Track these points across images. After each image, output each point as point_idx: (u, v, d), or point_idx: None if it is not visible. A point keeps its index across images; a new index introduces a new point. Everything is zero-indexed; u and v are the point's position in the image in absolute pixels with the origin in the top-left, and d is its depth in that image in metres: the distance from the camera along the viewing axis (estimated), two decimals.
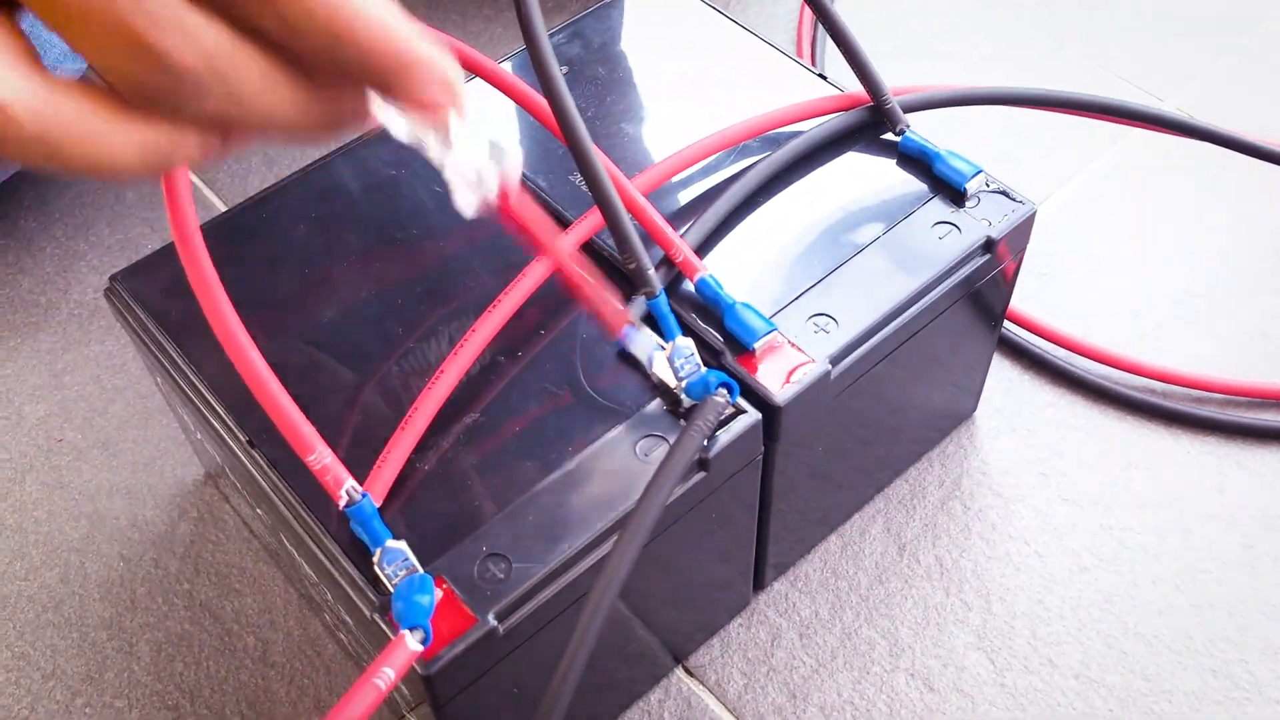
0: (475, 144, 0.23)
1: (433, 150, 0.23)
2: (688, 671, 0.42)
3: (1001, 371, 0.49)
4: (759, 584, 0.44)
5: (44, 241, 0.56)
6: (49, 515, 0.47)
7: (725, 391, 0.32)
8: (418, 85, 0.22)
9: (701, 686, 0.42)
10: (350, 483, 0.30)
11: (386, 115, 0.23)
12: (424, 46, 0.22)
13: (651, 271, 0.34)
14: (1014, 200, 0.39)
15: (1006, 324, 0.50)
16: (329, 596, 0.36)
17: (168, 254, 0.40)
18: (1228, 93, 0.59)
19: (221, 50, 0.21)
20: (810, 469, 0.40)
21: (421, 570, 0.31)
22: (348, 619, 0.35)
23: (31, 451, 0.49)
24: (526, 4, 0.33)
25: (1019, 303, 0.51)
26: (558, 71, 0.33)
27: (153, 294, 0.38)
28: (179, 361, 0.37)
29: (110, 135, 0.22)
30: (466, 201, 0.23)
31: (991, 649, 0.42)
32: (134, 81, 0.21)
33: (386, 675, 0.27)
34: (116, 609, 0.45)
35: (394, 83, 0.22)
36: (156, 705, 0.42)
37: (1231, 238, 0.53)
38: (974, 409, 0.48)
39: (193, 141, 0.23)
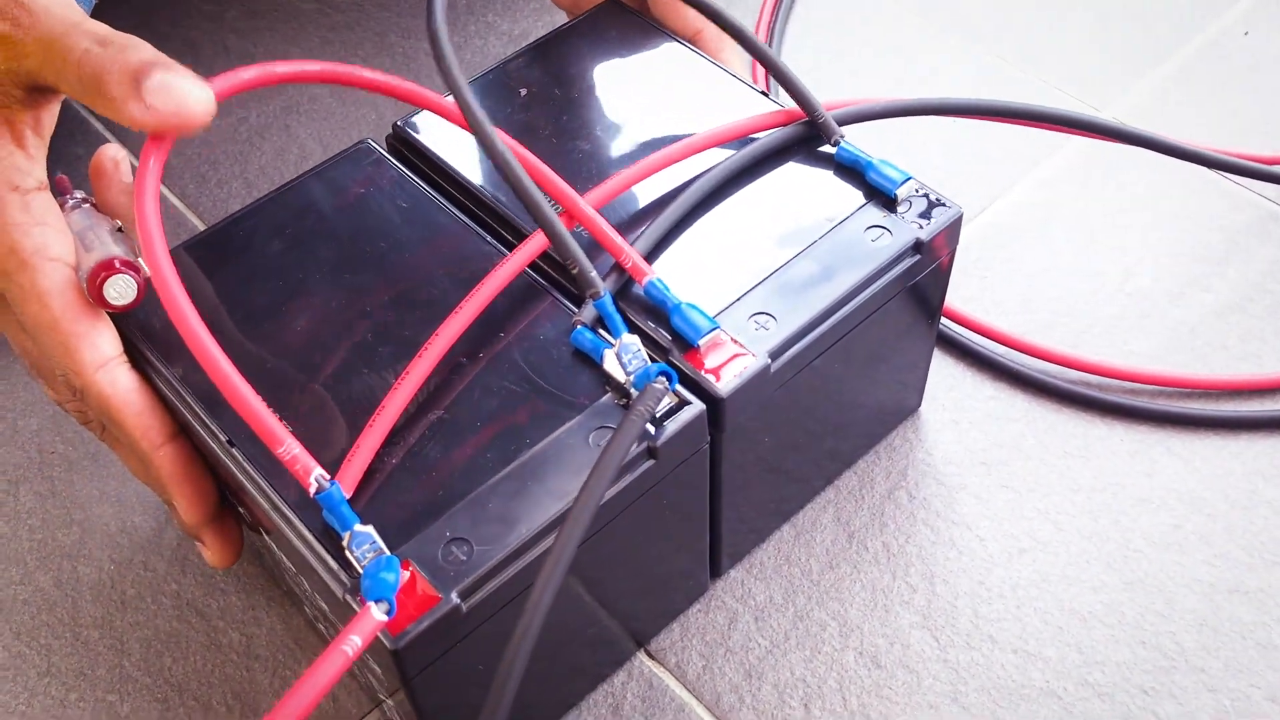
0: None
1: None
2: (649, 655, 0.45)
3: (945, 368, 0.52)
4: (716, 571, 0.46)
5: None
6: (42, 523, 0.49)
7: (665, 379, 0.35)
8: None
9: (662, 669, 0.44)
10: (318, 471, 0.32)
11: None
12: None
13: (594, 274, 0.36)
14: (942, 204, 0.42)
15: (950, 324, 0.53)
16: (306, 586, 0.39)
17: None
18: (1162, 102, 0.62)
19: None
20: (759, 460, 0.43)
21: (388, 553, 0.33)
22: (324, 605, 0.38)
23: (25, 464, 0.51)
24: (444, 56, 0.36)
25: (962, 303, 0.54)
26: (482, 114, 0.36)
27: (137, 310, 0.41)
28: (163, 371, 0.39)
29: None
30: None
31: (935, 627, 0.45)
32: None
33: (354, 642, 0.30)
34: (107, 609, 0.47)
35: None
36: (147, 699, 0.45)
37: (1164, 240, 0.56)
38: (919, 404, 0.51)
39: None
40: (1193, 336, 0.53)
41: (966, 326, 0.53)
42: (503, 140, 0.37)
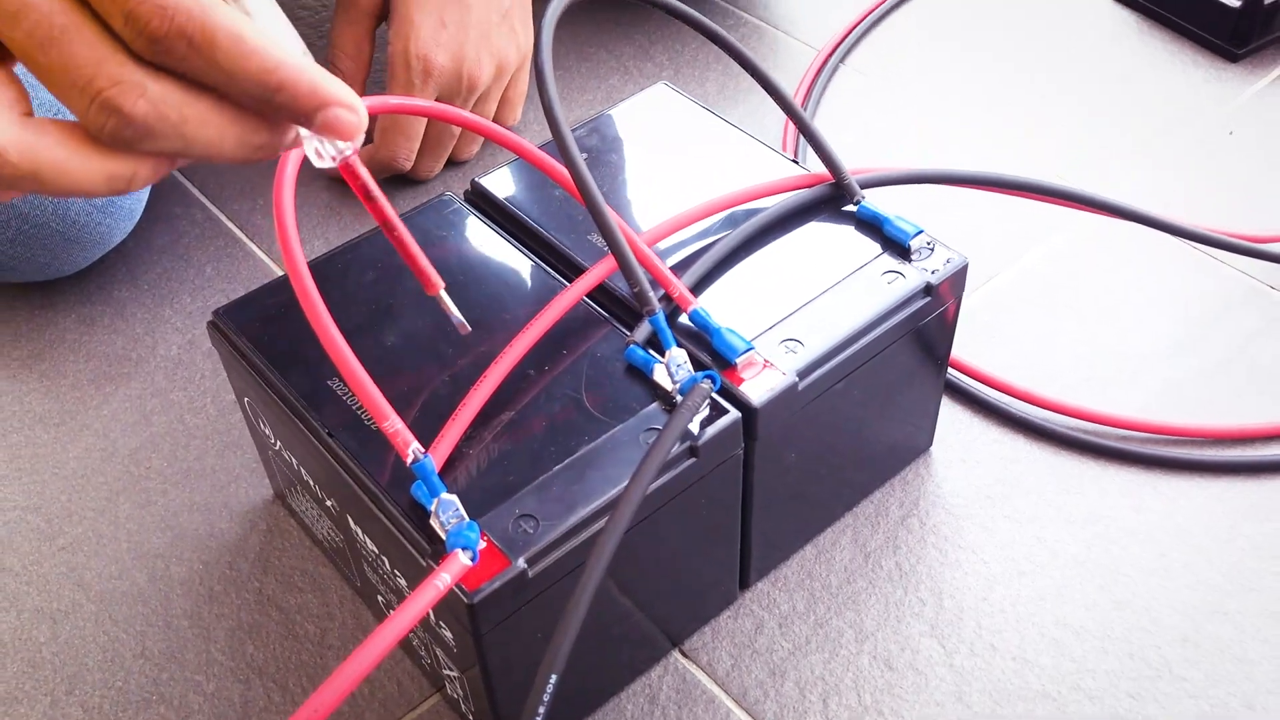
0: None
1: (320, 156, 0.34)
2: (683, 654, 0.50)
3: (955, 414, 0.58)
4: (744, 583, 0.51)
5: (135, 308, 0.65)
6: (139, 528, 0.55)
7: (709, 382, 0.41)
8: (333, 118, 0.31)
9: (695, 666, 0.49)
10: (416, 444, 0.38)
11: (307, 142, 0.33)
12: (335, 87, 0.31)
13: (650, 292, 0.42)
14: (950, 253, 0.48)
15: (960, 375, 0.59)
16: (387, 566, 0.44)
17: (253, 297, 0.48)
18: (1162, 183, 0.69)
19: (168, 101, 0.29)
20: (785, 475, 0.48)
21: (469, 519, 0.39)
22: (403, 581, 0.43)
23: (124, 478, 0.57)
24: (554, 113, 0.43)
25: (971, 357, 0.60)
26: (578, 155, 0.42)
27: (248, 324, 0.47)
28: (270, 376, 0.45)
29: (81, 167, 0.30)
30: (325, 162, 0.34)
31: (942, 636, 0.49)
32: (97, 126, 0.29)
33: (444, 579, 0.35)
34: (196, 602, 0.52)
35: (314, 118, 0.31)
36: (230, 680, 0.50)
37: (1158, 307, 0.62)
38: (930, 444, 0.56)
39: (147, 169, 0.31)
40: (1180, 392, 0.58)
41: (974, 378, 0.59)
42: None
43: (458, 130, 0.69)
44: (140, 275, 0.67)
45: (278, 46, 0.30)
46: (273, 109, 0.31)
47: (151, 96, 0.29)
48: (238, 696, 0.49)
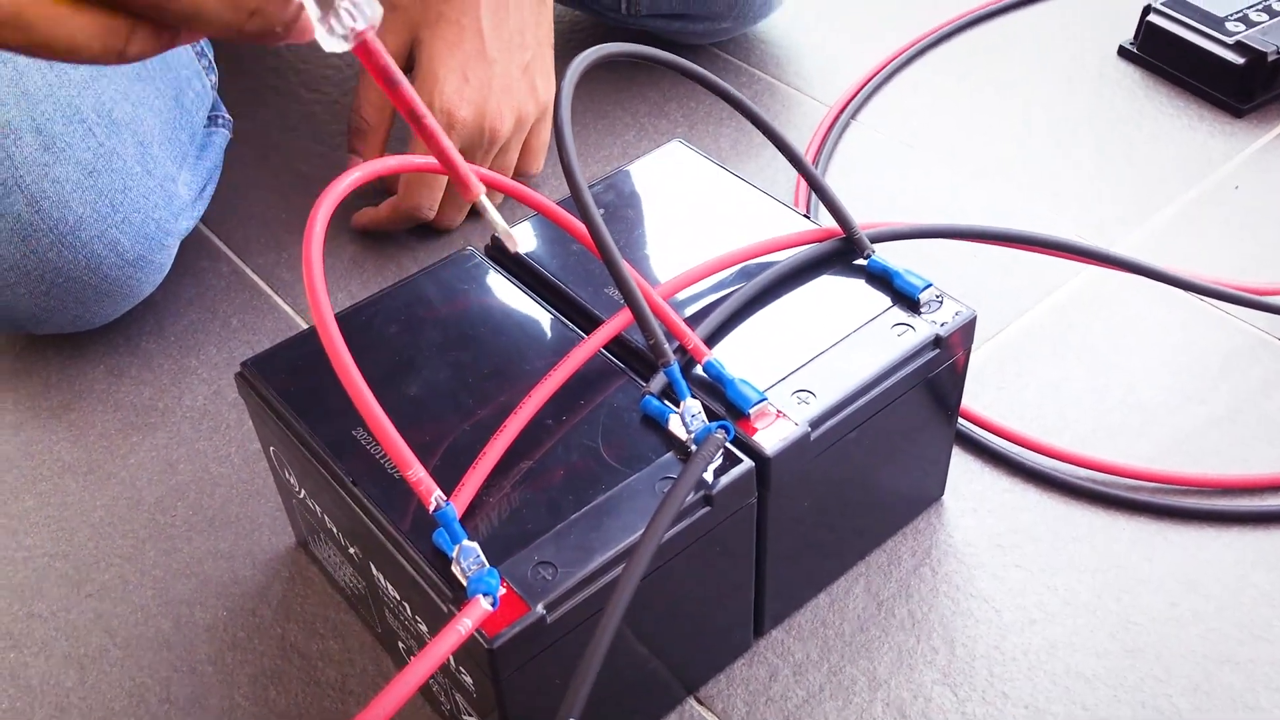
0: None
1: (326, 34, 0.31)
2: (698, 700, 0.50)
3: (966, 464, 0.59)
4: (759, 631, 0.52)
5: (162, 360, 0.67)
6: (164, 574, 0.56)
7: (723, 432, 0.42)
8: None
9: (710, 713, 0.50)
10: (438, 493, 0.39)
11: (319, 24, 0.31)
12: None
13: (666, 345, 0.44)
14: (958, 306, 0.49)
15: (971, 425, 0.60)
16: (408, 612, 0.45)
17: (280, 349, 0.50)
18: (1164, 240, 0.70)
19: None
20: (799, 524, 0.49)
21: (489, 566, 0.40)
22: (424, 627, 0.44)
23: (150, 525, 0.58)
24: (572, 170, 0.44)
25: (982, 409, 0.61)
26: (596, 211, 0.44)
27: (275, 375, 0.49)
28: (296, 425, 0.46)
29: (71, 21, 0.29)
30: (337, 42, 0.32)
31: (954, 684, 0.50)
32: None
33: (465, 624, 0.36)
34: (219, 648, 0.53)
35: None
36: None
37: (1165, 359, 0.63)
38: (941, 494, 0.57)
39: (143, 35, 0.30)
40: (1189, 442, 0.59)
41: (985, 428, 0.60)
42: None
43: None
44: (167, 327, 0.69)
45: None
46: None
47: None
48: None
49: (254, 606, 0.55)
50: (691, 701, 0.50)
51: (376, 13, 0.31)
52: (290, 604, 0.55)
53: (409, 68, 0.70)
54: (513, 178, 0.73)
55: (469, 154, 0.68)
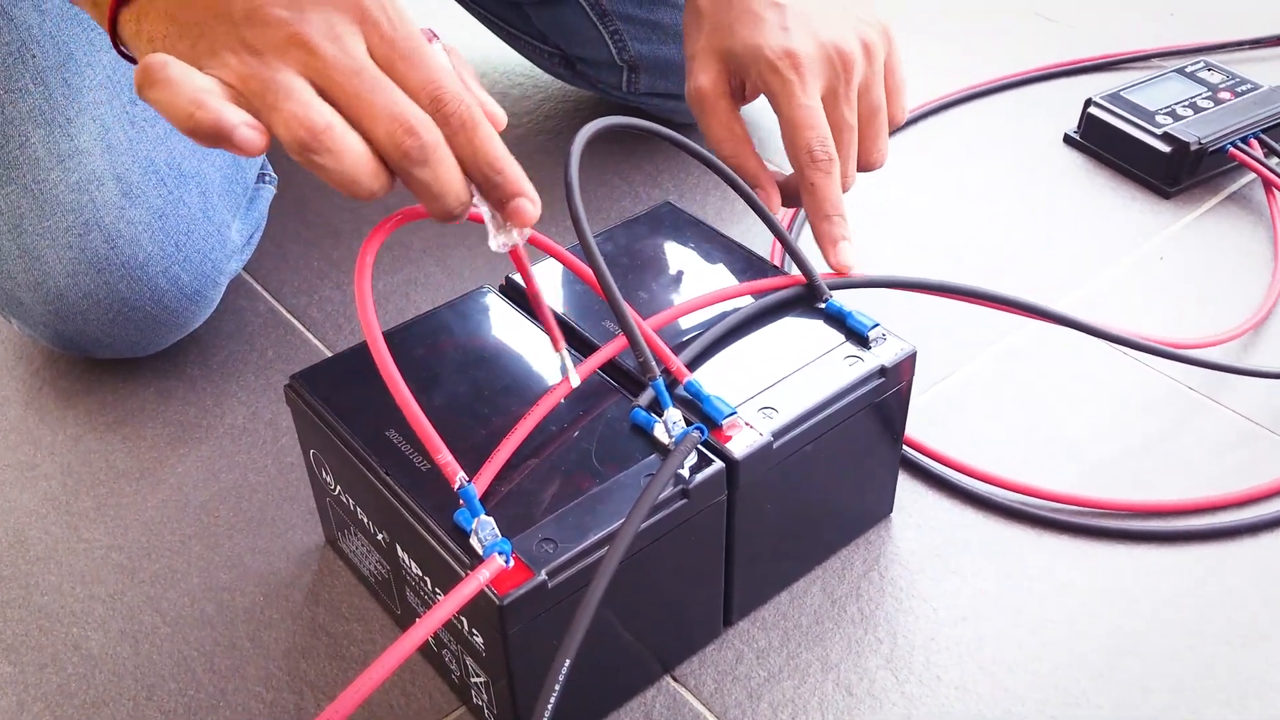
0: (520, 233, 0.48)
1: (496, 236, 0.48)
2: (674, 678, 0.58)
3: (913, 487, 0.67)
4: (728, 621, 0.60)
5: (205, 384, 0.75)
6: (207, 565, 0.64)
7: (698, 433, 0.50)
8: (519, 206, 0.46)
9: (684, 689, 0.58)
10: (462, 473, 0.47)
11: (484, 213, 0.47)
12: (528, 184, 0.46)
13: (653, 362, 0.52)
14: (901, 343, 0.58)
15: (920, 455, 0.68)
16: (429, 586, 0.53)
17: (322, 366, 0.58)
18: (1100, 300, 0.79)
19: (442, 160, 0.45)
20: (763, 524, 0.57)
21: (502, 537, 0.48)
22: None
23: (196, 525, 0.66)
24: (579, 220, 0.53)
25: (930, 439, 0.69)
26: (599, 253, 0.53)
27: (318, 386, 0.57)
28: (337, 427, 0.55)
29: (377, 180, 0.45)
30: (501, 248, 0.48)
31: (895, 669, 0.58)
32: (393, 144, 0.44)
33: (483, 575, 0.44)
34: (256, 628, 0.61)
35: (507, 204, 0.46)
36: (286, 690, 0.58)
37: (1091, 400, 0.72)
38: (890, 510, 0.65)
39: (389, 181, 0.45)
40: (1106, 471, 0.67)
41: (931, 457, 0.68)
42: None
43: None
44: (210, 357, 0.77)
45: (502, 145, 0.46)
46: (490, 185, 0.46)
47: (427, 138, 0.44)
48: (292, 705, 0.57)
49: (287, 593, 0.63)
50: (668, 679, 0.58)
51: (526, 234, 0.48)
52: (319, 592, 0.63)
53: (735, 91, 0.69)
54: (859, 168, 0.69)
55: (831, 95, 0.65)
